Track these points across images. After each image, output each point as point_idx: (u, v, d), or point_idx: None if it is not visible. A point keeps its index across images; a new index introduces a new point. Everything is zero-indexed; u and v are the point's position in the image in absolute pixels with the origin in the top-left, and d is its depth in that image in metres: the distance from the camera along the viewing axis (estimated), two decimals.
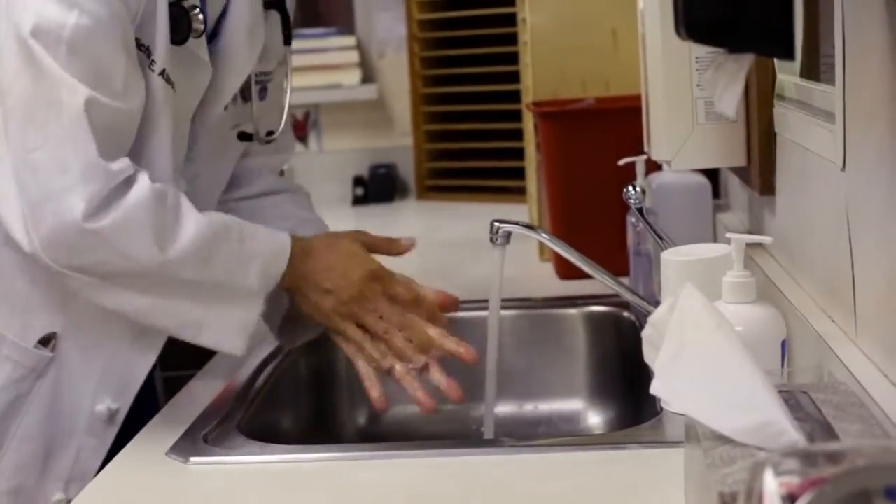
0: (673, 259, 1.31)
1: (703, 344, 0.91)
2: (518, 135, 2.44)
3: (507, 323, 1.75)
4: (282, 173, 1.72)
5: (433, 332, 1.44)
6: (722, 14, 0.90)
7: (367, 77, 3.17)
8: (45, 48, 1.23)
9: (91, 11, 1.23)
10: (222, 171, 1.54)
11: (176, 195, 1.31)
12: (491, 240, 1.49)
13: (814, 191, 1.26)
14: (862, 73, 1.04)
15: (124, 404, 1.42)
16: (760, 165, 1.45)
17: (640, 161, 1.71)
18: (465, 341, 1.45)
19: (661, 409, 1.25)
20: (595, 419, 1.75)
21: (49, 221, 1.24)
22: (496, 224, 1.48)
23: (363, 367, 1.44)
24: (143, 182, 1.27)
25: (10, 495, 1.39)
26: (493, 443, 1.45)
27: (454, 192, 3.04)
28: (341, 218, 2.62)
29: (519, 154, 2.42)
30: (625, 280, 1.63)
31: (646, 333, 0.98)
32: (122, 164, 1.27)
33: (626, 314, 1.74)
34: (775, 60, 1.43)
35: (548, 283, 1.96)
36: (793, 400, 0.93)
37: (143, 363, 1.42)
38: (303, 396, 1.68)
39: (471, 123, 3.00)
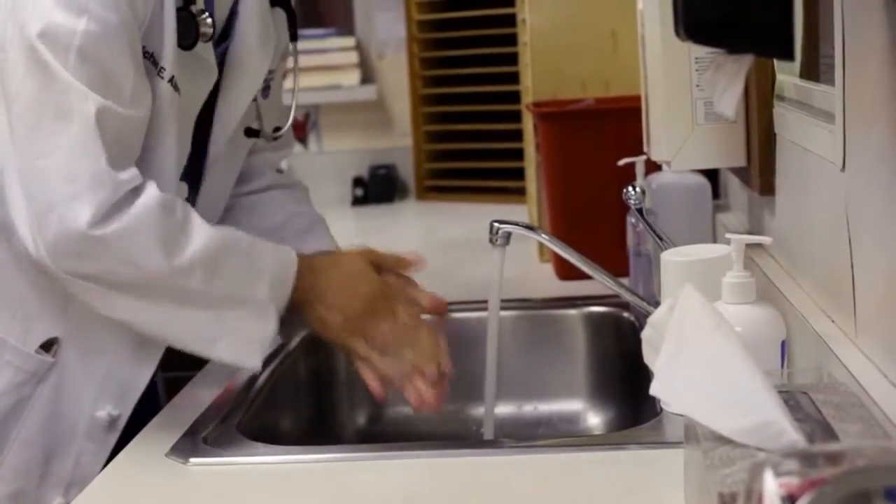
0: (673, 259, 1.31)
1: (702, 344, 0.91)
2: (518, 135, 2.44)
3: (507, 323, 1.75)
4: (279, 171, 1.72)
5: (441, 348, 1.43)
6: (721, 14, 0.90)
7: (367, 78, 3.18)
8: (54, 55, 1.22)
9: (100, 18, 1.22)
10: (234, 170, 1.54)
11: (185, 206, 1.30)
12: (490, 240, 1.49)
13: (813, 191, 1.26)
14: (862, 74, 1.04)
15: (125, 411, 1.42)
16: (760, 166, 1.45)
17: (639, 161, 1.71)
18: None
19: (661, 409, 1.25)
20: (595, 420, 1.75)
21: (55, 228, 1.22)
22: (496, 225, 1.48)
23: (369, 377, 1.42)
24: (150, 191, 1.26)
25: (11, 500, 1.39)
26: (492, 443, 1.45)
27: (454, 192, 3.04)
28: (341, 219, 2.62)
29: (518, 155, 2.42)
30: (624, 280, 1.63)
31: (645, 334, 0.98)
32: (131, 174, 1.26)
33: (625, 315, 1.74)
34: (775, 61, 1.43)
35: (547, 283, 1.96)
36: (792, 400, 0.93)
37: (144, 371, 1.42)
38: (302, 397, 1.68)
39: (470, 124, 3.00)
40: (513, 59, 2.52)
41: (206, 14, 1.35)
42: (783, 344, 1.18)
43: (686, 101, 1.47)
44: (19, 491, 1.39)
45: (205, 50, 1.37)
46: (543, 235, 1.58)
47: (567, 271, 1.91)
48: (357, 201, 3.09)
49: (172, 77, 1.31)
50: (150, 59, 1.30)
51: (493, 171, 2.92)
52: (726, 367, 0.89)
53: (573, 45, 2.13)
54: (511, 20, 2.54)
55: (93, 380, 1.40)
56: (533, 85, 2.15)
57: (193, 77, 1.36)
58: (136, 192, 1.25)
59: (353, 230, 2.76)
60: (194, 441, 1.29)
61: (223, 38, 1.42)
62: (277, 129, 1.57)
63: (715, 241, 1.80)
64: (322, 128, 3.22)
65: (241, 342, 1.33)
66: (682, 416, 0.92)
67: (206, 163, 1.44)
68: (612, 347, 1.76)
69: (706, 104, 1.47)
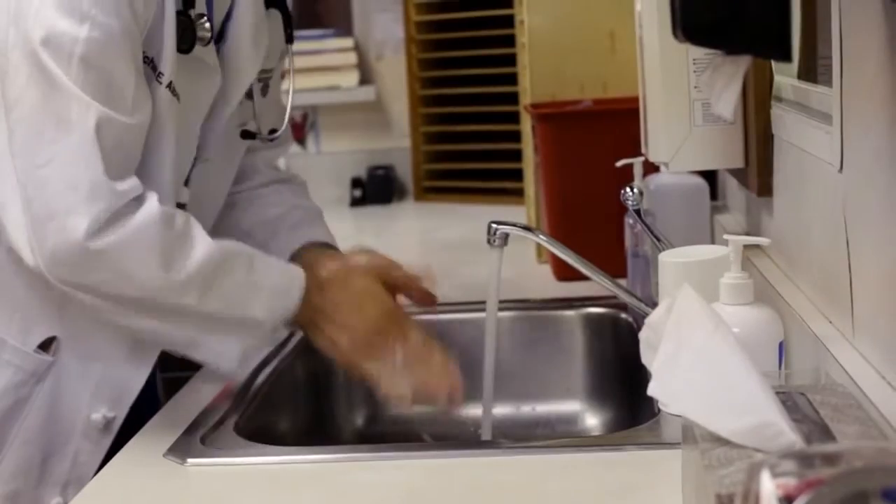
0: (670, 260, 1.31)
1: (700, 345, 0.91)
2: (516, 136, 2.44)
3: (505, 324, 1.75)
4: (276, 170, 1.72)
5: (452, 368, 1.42)
6: (719, 16, 0.90)
7: (365, 79, 3.17)
8: (57, 63, 1.21)
9: (103, 25, 1.22)
10: (230, 171, 1.54)
11: (186, 219, 1.30)
12: (488, 241, 1.49)
13: (811, 192, 1.26)
14: (859, 75, 1.04)
15: (120, 413, 1.41)
16: (758, 167, 1.45)
17: (637, 163, 1.71)
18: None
19: (659, 410, 1.25)
20: (592, 420, 1.75)
21: (52, 240, 1.22)
22: (494, 225, 1.48)
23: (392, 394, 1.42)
24: (151, 203, 1.25)
25: (8, 500, 1.39)
26: (490, 444, 1.45)
27: (452, 193, 3.04)
28: (339, 219, 2.62)
29: (517, 156, 2.42)
30: (622, 281, 1.63)
31: (643, 335, 0.98)
32: (130, 184, 1.25)
33: (623, 315, 1.74)
34: (772, 62, 1.44)
35: (545, 284, 1.96)
36: (790, 401, 0.93)
37: (139, 374, 1.42)
38: (300, 398, 1.68)
39: (469, 125, 3.00)
40: (511, 60, 2.52)
41: (205, 18, 1.35)
42: (781, 345, 1.18)
43: (684, 102, 1.47)
44: (17, 490, 1.39)
45: (206, 53, 1.36)
46: (541, 236, 1.58)
47: (565, 272, 1.91)
48: (355, 202, 3.09)
49: (171, 82, 1.31)
50: (150, 64, 1.29)
51: (492, 172, 2.92)
52: (724, 367, 0.89)
53: (571, 46, 2.13)
54: (509, 21, 2.54)
55: (88, 383, 1.40)
56: (531, 86, 2.15)
57: (193, 81, 1.36)
58: (136, 202, 1.25)
59: (352, 231, 2.76)
60: (192, 441, 1.29)
61: (218, 40, 1.42)
62: (273, 130, 1.57)
63: (713, 242, 1.80)
64: (320, 129, 3.22)
65: (225, 350, 1.33)
66: (679, 416, 0.92)
67: (195, 162, 1.44)
68: (610, 348, 1.76)
69: (704, 105, 1.47)
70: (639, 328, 1.29)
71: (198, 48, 1.35)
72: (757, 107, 1.44)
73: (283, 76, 1.64)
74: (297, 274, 1.38)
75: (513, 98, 2.46)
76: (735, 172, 1.61)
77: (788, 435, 0.83)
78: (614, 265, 1.67)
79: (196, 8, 1.34)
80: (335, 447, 1.56)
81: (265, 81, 1.53)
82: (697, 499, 0.87)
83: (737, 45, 0.93)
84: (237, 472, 1.23)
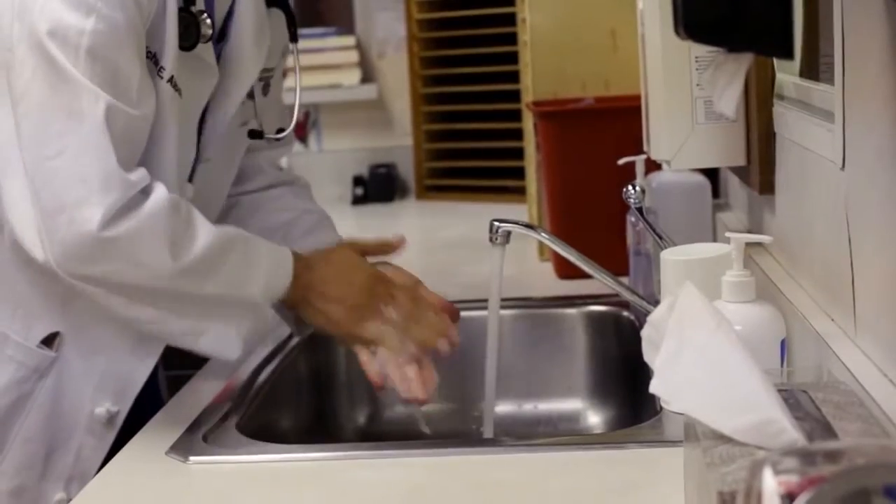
0: (672, 258, 1.31)
1: (702, 343, 0.91)
2: (518, 134, 2.44)
3: (507, 322, 1.75)
4: (279, 169, 1.72)
5: (447, 321, 1.45)
6: (721, 13, 0.90)
7: (367, 77, 3.17)
8: (64, 55, 1.21)
9: (108, 17, 1.22)
10: (231, 170, 1.55)
11: (188, 206, 1.30)
12: (490, 239, 1.49)
13: (813, 190, 1.26)
14: (861, 73, 1.04)
15: (123, 407, 1.42)
16: (760, 165, 1.45)
17: (639, 161, 1.71)
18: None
19: (661, 408, 1.25)
20: (594, 418, 1.75)
21: (64, 231, 1.22)
22: (496, 223, 1.48)
23: (370, 367, 1.43)
24: (160, 192, 1.26)
25: (12, 495, 1.39)
26: (492, 442, 1.45)
27: (454, 191, 3.04)
28: (341, 218, 2.61)
29: (518, 154, 2.42)
30: (624, 279, 1.63)
31: (645, 333, 0.98)
32: (140, 175, 1.25)
33: (625, 313, 1.74)
34: (774, 60, 1.44)
35: (547, 282, 1.96)
36: (792, 399, 0.93)
37: (142, 368, 1.42)
38: (302, 396, 1.69)
39: (470, 123, 3.00)
40: (513, 58, 2.52)
41: (206, 15, 1.35)
42: (783, 342, 1.18)
43: (686, 100, 1.47)
44: (21, 486, 1.39)
45: (205, 51, 1.37)
46: (543, 234, 1.58)
47: (567, 270, 1.91)
48: (357, 200, 3.09)
49: (172, 77, 1.31)
50: (152, 59, 1.30)
51: (493, 170, 2.92)
52: (726, 365, 0.89)
53: (573, 44, 2.13)
54: (511, 19, 2.54)
55: (91, 377, 1.40)
56: (533, 84, 2.15)
57: (194, 78, 1.36)
58: (145, 192, 1.25)
59: (354, 229, 2.74)
60: (194, 439, 1.30)
61: (219, 38, 1.42)
62: (280, 129, 1.57)
63: (715, 239, 1.80)
64: (322, 127, 3.22)
65: (225, 336, 1.33)
66: (681, 414, 0.92)
67: (197, 162, 1.44)
68: (612, 346, 1.76)
69: (706, 103, 1.47)
70: (641, 326, 1.29)
71: (199, 46, 1.35)
72: (759, 105, 1.44)
73: (284, 75, 1.64)
74: (284, 250, 1.40)
75: (515, 96, 2.46)
76: (737, 170, 1.61)
77: (790, 432, 0.83)
78: (616, 263, 1.67)
79: (196, 5, 1.34)
80: (337, 445, 1.56)
81: (266, 80, 1.53)
82: (700, 496, 0.87)
83: (739, 42, 0.93)
84: (239, 470, 1.24)
